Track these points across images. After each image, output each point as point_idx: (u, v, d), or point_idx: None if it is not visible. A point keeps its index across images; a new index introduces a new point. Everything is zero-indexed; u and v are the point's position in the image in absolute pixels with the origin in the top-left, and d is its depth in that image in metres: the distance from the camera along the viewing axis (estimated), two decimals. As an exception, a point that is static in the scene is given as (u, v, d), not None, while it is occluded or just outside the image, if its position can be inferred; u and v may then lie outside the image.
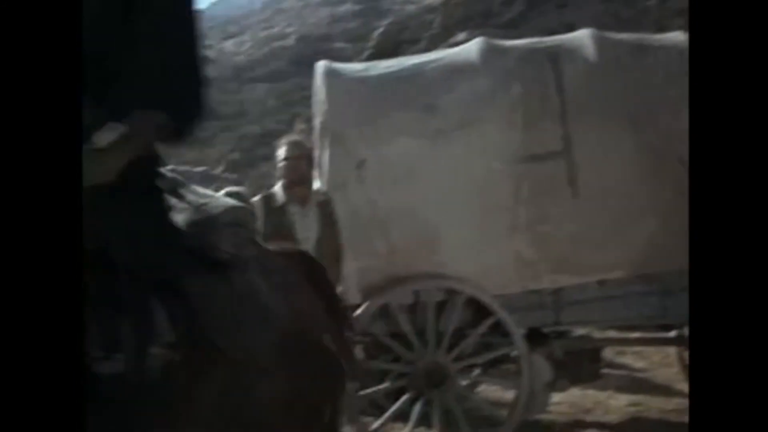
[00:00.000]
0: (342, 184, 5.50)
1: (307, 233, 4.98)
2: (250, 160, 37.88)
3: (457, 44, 7.99)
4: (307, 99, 7.37)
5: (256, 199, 5.10)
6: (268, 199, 5.10)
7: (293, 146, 5.14)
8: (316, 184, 5.48)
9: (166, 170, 2.34)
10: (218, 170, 18.94)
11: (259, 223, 4.89)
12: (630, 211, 5.61)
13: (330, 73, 5.93)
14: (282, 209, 5.03)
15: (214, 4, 58.81)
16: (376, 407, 6.25)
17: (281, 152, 5.15)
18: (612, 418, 6.72)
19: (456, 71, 5.86)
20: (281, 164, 5.13)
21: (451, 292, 5.65)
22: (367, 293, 5.40)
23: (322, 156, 5.75)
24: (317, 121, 6.20)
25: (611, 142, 5.65)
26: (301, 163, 5.07)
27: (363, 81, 5.96)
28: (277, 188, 5.13)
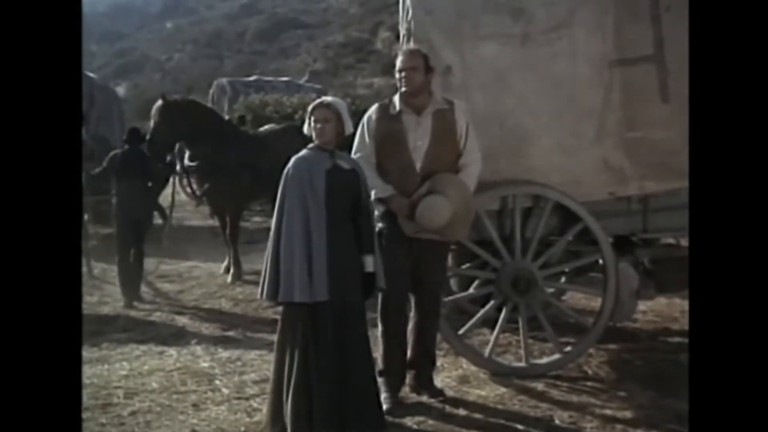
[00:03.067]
0: (428, 90, 5.45)
1: (418, 141, 5.01)
2: (334, 69, 37.92)
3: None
4: (390, 6, 7.26)
5: (373, 107, 5.18)
6: (385, 106, 5.14)
7: (408, 56, 5.09)
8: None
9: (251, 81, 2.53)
10: (302, 80, 18.97)
11: (373, 129, 5.03)
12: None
13: (415, -22, 5.80)
14: (397, 117, 5.05)
15: None
16: (463, 313, 6.33)
17: (398, 62, 5.14)
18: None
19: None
20: (397, 75, 5.13)
21: (538, 199, 5.63)
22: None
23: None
24: (402, 29, 6.12)
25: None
26: (416, 74, 5.03)
27: (449, -15, 5.82)
28: (396, 97, 5.14)
